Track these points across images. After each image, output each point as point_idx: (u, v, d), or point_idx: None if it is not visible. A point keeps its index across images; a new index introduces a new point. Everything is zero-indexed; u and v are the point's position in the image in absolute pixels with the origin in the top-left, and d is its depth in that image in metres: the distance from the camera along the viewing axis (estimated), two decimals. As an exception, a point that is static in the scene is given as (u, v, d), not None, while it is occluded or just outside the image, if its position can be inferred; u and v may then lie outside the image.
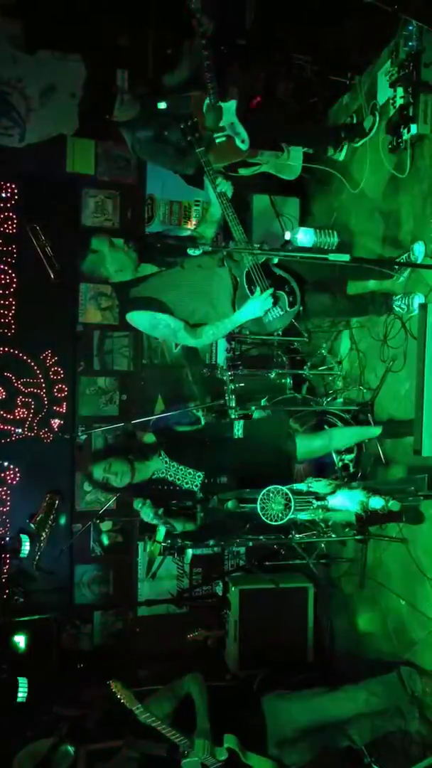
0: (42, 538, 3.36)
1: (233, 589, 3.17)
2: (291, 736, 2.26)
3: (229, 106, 2.67)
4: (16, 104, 3.47)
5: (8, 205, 3.42)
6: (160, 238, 2.43)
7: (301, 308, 2.41)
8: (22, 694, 3.00)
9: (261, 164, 3.13)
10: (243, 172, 3.19)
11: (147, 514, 2.23)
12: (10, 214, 3.42)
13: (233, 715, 2.26)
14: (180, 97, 2.72)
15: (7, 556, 3.32)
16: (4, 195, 3.41)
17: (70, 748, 2.24)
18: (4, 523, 3.38)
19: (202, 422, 2.95)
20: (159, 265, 2.25)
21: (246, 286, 2.30)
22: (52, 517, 3.39)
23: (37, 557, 3.37)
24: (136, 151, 2.77)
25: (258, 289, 2.27)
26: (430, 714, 2.27)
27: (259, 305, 2.25)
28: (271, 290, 2.27)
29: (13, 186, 3.43)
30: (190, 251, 1.99)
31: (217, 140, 2.65)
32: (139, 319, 2.25)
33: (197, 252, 1.99)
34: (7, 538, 3.35)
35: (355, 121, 3.03)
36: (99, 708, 2.63)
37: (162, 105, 2.68)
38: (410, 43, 2.33)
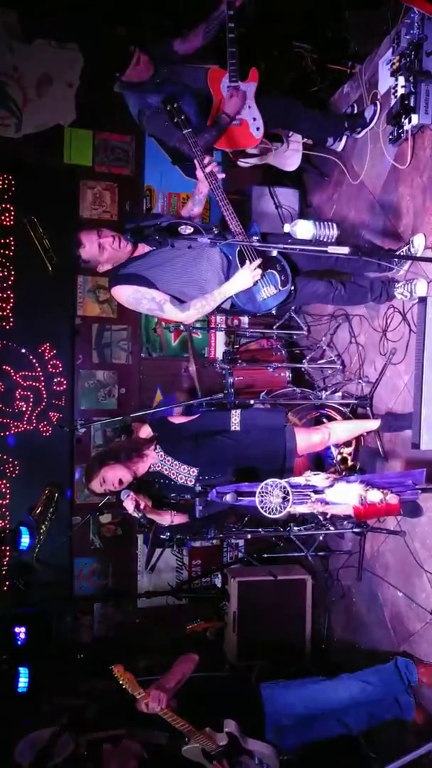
0: (42, 531, 3.38)
1: (232, 580, 3.19)
2: (288, 723, 2.29)
3: (248, 88, 2.58)
4: (13, 94, 3.42)
5: (5, 196, 3.38)
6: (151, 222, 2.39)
7: (292, 289, 2.41)
8: (23, 684, 3.03)
9: (260, 155, 3.10)
10: (243, 163, 3.16)
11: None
12: (7, 206, 3.38)
13: (232, 703, 2.28)
14: (196, 68, 2.61)
15: (7, 548, 3.33)
16: (0, 186, 3.38)
17: (71, 738, 2.26)
18: (4, 516, 3.39)
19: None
20: (151, 244, 2.22)
21: (238, 265, 2.30)
22: (51, 509, 3.40)
23: (36, 549, 3.38)
24: (142, 121, 2.64)
25: (248, 262, 2.27)
26: (427, 704, 2.30)
27: (248, 276, 2.25)
28: (259, 260, 2.26)
29: (10, 177, 3.39)
30: (182, 230, 1.96)
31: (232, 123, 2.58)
32: (123, 293, 2.24)
33: (188, 231, 1.97)
34: (7, 531, 3.37)
35: (355, 110, 3.00)
36: (99, 697, 2.66)
37: None
38: (412, 32, 2.30)
